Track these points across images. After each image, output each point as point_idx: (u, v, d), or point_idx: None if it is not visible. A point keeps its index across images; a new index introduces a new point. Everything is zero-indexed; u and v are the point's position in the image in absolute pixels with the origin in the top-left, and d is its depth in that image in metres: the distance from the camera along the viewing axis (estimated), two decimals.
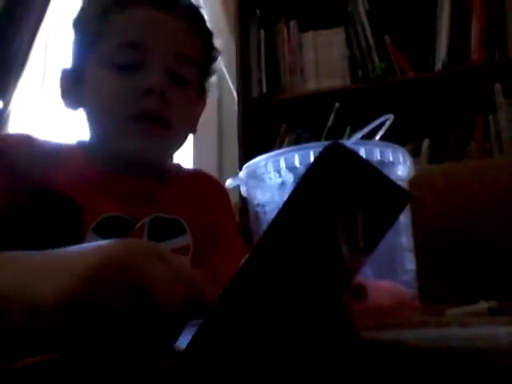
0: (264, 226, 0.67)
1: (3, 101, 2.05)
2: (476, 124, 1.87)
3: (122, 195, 0.78)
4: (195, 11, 0.84)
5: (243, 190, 0.77)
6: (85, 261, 0.36)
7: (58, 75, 0.84)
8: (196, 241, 0.81)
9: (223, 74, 2.24)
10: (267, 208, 0.68)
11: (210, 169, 2.25)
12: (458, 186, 1.26)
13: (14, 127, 2.25)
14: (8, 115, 2.08)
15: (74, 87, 0.81)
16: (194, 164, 2.29)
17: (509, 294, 0.73)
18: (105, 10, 0.78)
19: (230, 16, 2.17)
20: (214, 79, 0.90)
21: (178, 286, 0.37)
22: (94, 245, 0.39)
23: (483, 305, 0.65)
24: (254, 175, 0.70)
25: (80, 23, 0.83)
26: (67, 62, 0.84)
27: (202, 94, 0.88)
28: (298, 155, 0.61)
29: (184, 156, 2.24)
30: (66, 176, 0.77)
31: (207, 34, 0.86)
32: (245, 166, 0.72)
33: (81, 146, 0.84)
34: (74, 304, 0.35)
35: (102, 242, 0.39)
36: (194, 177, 0.91)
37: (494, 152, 1.80)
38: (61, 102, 0.84)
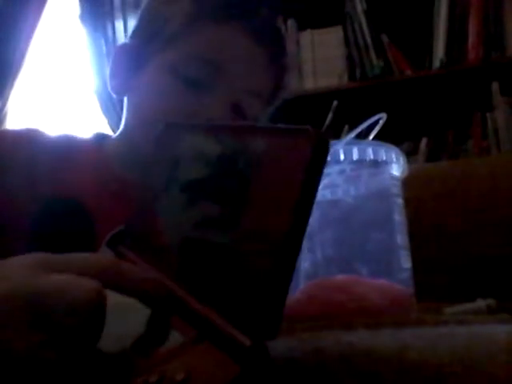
0: None
1: (0, 100, 2.04)
2: (474, 122, 1.87)
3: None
4: (282, 48, 0.78)
5: None
6: None
7: (117, 49, 0.78)
8: None
9: None
10: None
11: None
12: (455, 185, 1.26)
13: (11, 126, 2.25)
14: (5, 115, 2.08)
15: (130, 71, 0.75)
16: None
17: (506, 293, 0.73)
18: (193, 18, 0.72)
19: None
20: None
21: (77, 287, 0.33)
22: None
23: (481, 303, 0.65)
24: None
25: (162, 16, 0.75)
26: (131, 39, 0.77)
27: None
28: None
29: None
30: (80, 179, 0.72)
31: (284, 73, 0.80)
32: None
33: (98, 142, 0.78)
34: None
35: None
36: None
37: (491, 150, 1.80)
38: (109, 79, 0.77)
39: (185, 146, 0.44)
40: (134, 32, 0.79)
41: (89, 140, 0.80)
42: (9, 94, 2.02)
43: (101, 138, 0.80)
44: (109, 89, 0.77)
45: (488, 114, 1.83)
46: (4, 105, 2.04)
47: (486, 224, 1.18)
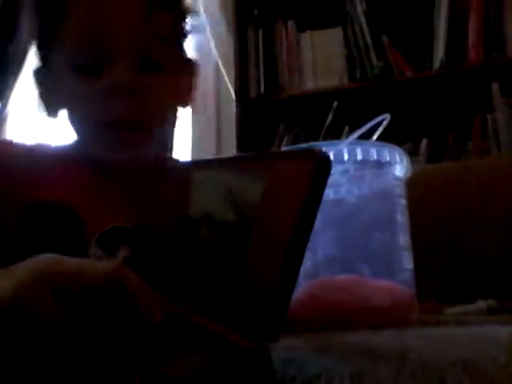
0: None
1: (1, 101, 2.04)
2: (474, 123, 1.87)
3: (124, 205, 0.72)
4: None
5: None
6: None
7: (33, 76, 0.78)
8: None
9: (221, 73, 2.24)
10: None
11: None
12: (456, 186, 1.26)
13: (12, 127, 2.25)
14: (6, 115, 2.08)
15: (49, 90, 0.75)
16: None
17: (507, 293, 0.73)
18: (57, 11, 0.70)
19: (228, 16, 2.17)
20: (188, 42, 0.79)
21: (94, 269, 0.43)
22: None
23: (482, 304, 0.65)
24: None
25: (36, 22, 0.75)
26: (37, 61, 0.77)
27: (183, 64, 0.77)
28: None
29: (182, 155, 2.24)
30: (63, 183, 0.71)
31: (175, 4, 0.75)
32: None
33: (73, 148, 0.78)
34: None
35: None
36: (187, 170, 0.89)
37: (491, 151, 1.80)
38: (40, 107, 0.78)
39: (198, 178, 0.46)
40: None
41: (63, 146, 0.79)
42: (10, 94, 2.02)
43: (73, 145, 0.79)
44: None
45: (488, 115, 1.83)
46: (5, 105, 2.04)
47: (487, 225, 1.18)
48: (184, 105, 0.81)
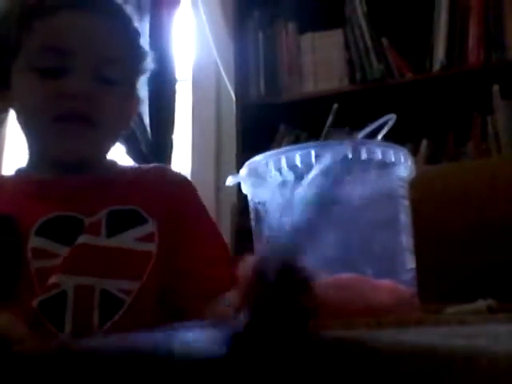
0: (264, 225, 0.67)
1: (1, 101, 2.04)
2: (474, 125, 1.87)
3: (64, 196, 0.79)
4: (118, 11, 0.84)
5: (244, 188, 0.78)
6: None
7: None
8: (162, 228, 0.81)
9: (221, 75, 2.24)
10: (268, 207, 0.68)
11: (208, 169, 2.25)
12: (455, 187, 1.26)
13: (11, 127, 2.25)
14: (6, 116, 2.08)
15: (2, 93, 0.82)
16: (193, 165, 2.29)
17: (507, 293, 0.73)
18: (26, 15, 0.79)
19: (228, 18, 2.17)
20: (143, 79, 0.90)
21: None
22: None
23: (482, 303, 0.66)
24: (254, 173, 0.70)
25: (1, 29, 0.83)
26: None
27: (132, 92, 0.88)
28: (300, 154, 0.61)
29: (182, 157, 2.25)
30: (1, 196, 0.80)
31: (134, 34, 0.86)
32: (246, 164, 0.72)
33: (18, 170, 0.86)
34: None
35: None
36: (153, 169, 0.92)
37: (491, 153, 1.81)
38: None
39: None
40: None
41: (7, 174, 0.89)
42: None
43: (18, 168, 0.87)
44: None
45: (488, 117, 1.83)
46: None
47: (486, 226, 1.18)
48: (126, 128, 0.88)
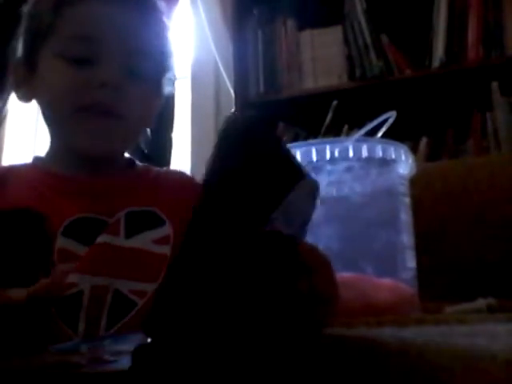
0: None
1: (0, 100, 2.04)
2: (473, 122, 1.87)
3: (88, 195, 0.77)
4: (150, 4, 0.83)
5: None
6: None
7: (11, 66, 0.84)
8: (177, 232, 0.79)
9: (220, 73, 2.24)
10: None
11: None
12: (455, 184, 1.26)
13: (11, 127, 2.25)
14: (5, 115, 2.08)
15: (27, 78, 0.80)
16: (192, 163, 2.29)
17: (507, 292, 0.73)
18: (58, 3, 0.77)
19: (227, 15, 2.17)
20: (171, 76, 0.88)
21: None
22: None
23: (481, 302, 0.66)
24: None
25: (33, 14, 0.81)
26: (19, 52, 0.84)
27: (158, 89, 0.86)
28: (300, 151, 0.61)
29: (182, 155, 2.25)
30: (22, 191, 0.77)
31: (164, 29, 0.84)
32: None
33: (37, 160, 0.84)
34: None
35: None
36: (170, 173, 0.91)
37: (491, 150, 1.81)
38: (14, 94, 0.84)
39: None
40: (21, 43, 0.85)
41: (26, 163, 0.85)
42: (9, 94, 2.02)
43: (37, 157, 0.85)
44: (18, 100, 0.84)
45: (488, 114, 1.83)
46: (4, 105, 2.04)
47: (486, 223, 1.18)
48: (149, 125, 0.87)
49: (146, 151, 1.89)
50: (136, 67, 0.78)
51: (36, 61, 0.79)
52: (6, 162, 2.39)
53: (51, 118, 0.80)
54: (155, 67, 0.82)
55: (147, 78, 0.80)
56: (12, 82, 0.83)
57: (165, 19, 0.85)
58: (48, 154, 0.83)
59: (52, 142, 0.83)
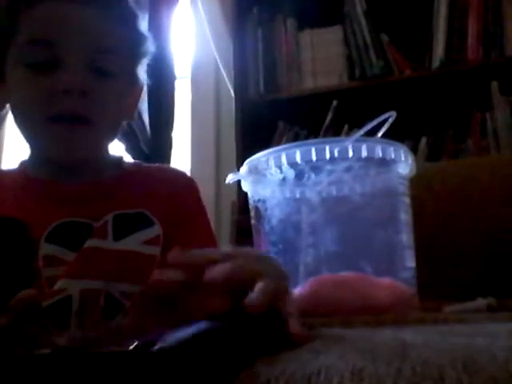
0: (265, 222, 0.67)
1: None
2: (473, 122, 1.87)
3: (72, 200, 0.77)
4: (115, 2, 0.78)
5: (244, 185, 0.78)
6: None
7: None
8: (165, 231, 0.79)
9: (220, 72, 2.24)
10: (268, 204, 0.68)
11: (208, 167, 2.25)
12: (455, 184, 1.26)
13: (12, 127, 2.25)
14: (5, 115, 2.08)
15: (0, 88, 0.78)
16: (192, 162, 2.29)
17: (506, 291, 0.73)
18: (13, 7, 0.75)
19: (227, 15, 2.17)
20: (145, 64, 0.85)
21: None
22: None
23: (481, 302, 0.66)
24: (255, 171, 0.70)
25: None
26: None
27: (133, 80, 0.83)
28: (300, 151, 0.61)
29: (181, 154, 2.25)
30: (5, 199, 0.77)
31: (129, 19, 0.80)
32: (246, 162, 0.72)
33: (21, 165, 0.83)
34: None
35: None
36: (157, 169, 0.90)
37: (490, 149, 1.80)
38: None
39: None
40: None
41: (12, 168, 0.85)
42: None
43: (22, 161, 0.84)
44: None
45: (487, 114, 1.83)
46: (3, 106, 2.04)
47: (486, 223, 1.18)
48: (129, 118, 0.85)
49: (146, 151, 1.90)
50: (103, 65, 0.74)
51: (4, 71, 0.77)
52: (5, 162, 2.39)
53: (23, 127, 0.78)
54: (126, 61, 0.79)
55: (118, 73, 0.76)
56: None
57: (130, 6, 0.80)
58: (30, 158, 0.82)
59: (30, 149, 0.82)
